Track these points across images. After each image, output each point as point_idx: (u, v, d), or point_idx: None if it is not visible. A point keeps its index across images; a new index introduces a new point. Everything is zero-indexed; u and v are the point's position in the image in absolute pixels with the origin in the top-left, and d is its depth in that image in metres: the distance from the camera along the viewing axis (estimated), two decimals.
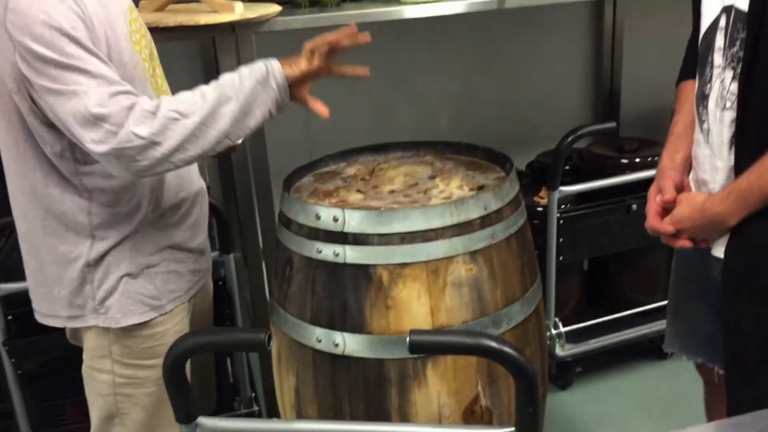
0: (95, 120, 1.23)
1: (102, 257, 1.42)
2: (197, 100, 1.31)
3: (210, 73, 2.62)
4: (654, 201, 1.43)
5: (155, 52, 1.53)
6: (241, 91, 1.33)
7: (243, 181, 2.08)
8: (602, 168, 2.44)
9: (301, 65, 1.40)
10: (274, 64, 1.38)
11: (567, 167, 2.44)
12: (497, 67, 2.93)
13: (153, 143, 1.25)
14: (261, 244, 2.19)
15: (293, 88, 1.41)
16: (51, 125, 1.30)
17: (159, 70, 1.53)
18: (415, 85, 2.86)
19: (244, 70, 1.36)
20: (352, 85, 2.74)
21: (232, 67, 1.92)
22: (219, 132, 1.31)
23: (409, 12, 2.07)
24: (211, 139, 1.31)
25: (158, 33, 1.75)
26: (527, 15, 2.80)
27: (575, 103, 3.10)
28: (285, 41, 2.63)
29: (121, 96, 1.25)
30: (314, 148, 2.76)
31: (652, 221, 1.43)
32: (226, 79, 1.35)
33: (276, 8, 1.96)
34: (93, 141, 1.24)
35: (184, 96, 1.32)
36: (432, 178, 1.71)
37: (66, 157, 1.35)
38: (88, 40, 1.25)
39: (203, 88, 1.33)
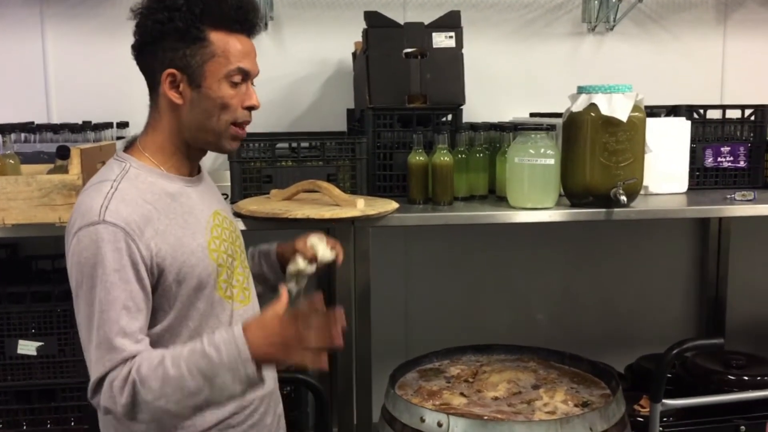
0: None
1: None
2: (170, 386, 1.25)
3: None
4: None
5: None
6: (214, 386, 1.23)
7: (345, 371, 1.99)
8: (707, 382, 2.38)
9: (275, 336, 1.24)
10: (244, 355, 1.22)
11: (669, 375, 2.39)
12: (598, 266, 2.97)
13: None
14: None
15: None
16: None
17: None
18: (516, 282, 2.92)
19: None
20: (455, 278, 2.83)
21: (348, 253, 2.05)
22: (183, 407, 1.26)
23: (519, 217, 2.12)
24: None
25: (285, 222, 1.90)
26: (633, 222, 2.85)
27: (677, 307, 3.07)
28: (399, 234, 2.78)
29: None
30: (412, 337, 2.82)
31: None
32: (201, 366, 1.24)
33: (394, 205, 2.08)
34: None
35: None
36: (536, 387, 1.72)
37: None
38: None
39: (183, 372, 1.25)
